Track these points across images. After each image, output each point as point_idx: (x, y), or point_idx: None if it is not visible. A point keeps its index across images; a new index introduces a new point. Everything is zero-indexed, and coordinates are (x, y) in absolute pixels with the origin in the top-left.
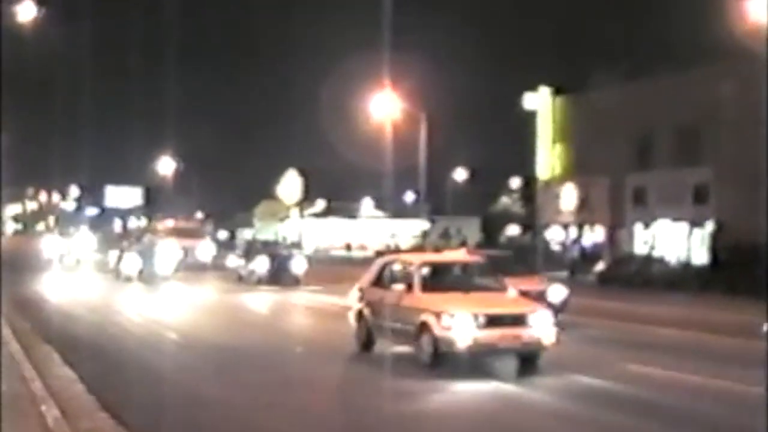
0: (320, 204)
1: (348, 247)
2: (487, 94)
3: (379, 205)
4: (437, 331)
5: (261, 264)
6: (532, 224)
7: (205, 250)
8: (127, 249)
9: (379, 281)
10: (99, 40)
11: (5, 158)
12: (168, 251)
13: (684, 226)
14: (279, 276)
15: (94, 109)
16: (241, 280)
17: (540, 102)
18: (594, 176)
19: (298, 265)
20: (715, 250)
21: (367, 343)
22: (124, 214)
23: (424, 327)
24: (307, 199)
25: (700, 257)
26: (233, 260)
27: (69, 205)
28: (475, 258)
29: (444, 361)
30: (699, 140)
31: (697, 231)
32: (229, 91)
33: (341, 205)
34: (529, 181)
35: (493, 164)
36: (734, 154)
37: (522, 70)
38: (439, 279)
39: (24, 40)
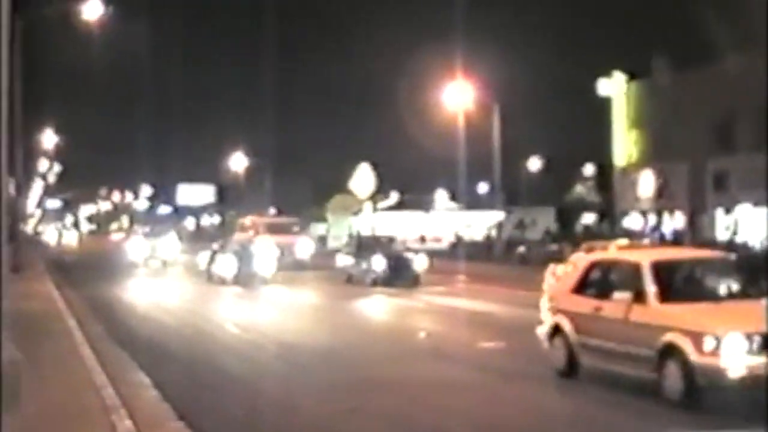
0: (393, 197)
1: (422, 240)
2: (561, 82)
3: (453, 196)
4: (694, 357)
5: (378, 262)
6: (607, 212)
7: (303, 247)
8: (220, 249)
9: (584, 287)
10: (170, 38)
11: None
12: (266, 250)
13: (766, 211)
14: (397, 275)
15: (166, 108)
16: (351, 280)
17: (615, 88)
18: (672, 162)
19: (419, 263)
20: None
21: (568, 368)
22: (197, 212)
23: (670, 351)
24: (380, 192)
25: None
26: (342, 259)
27: (141, 205)
28: (719, 254)
29: (701, 399)
30: None
31: None
32: (300, 85)
33: (414, 197)
34: (603, 168)
35: (567, 152)
36: None
37: (596, 56)
38: (678, 284)
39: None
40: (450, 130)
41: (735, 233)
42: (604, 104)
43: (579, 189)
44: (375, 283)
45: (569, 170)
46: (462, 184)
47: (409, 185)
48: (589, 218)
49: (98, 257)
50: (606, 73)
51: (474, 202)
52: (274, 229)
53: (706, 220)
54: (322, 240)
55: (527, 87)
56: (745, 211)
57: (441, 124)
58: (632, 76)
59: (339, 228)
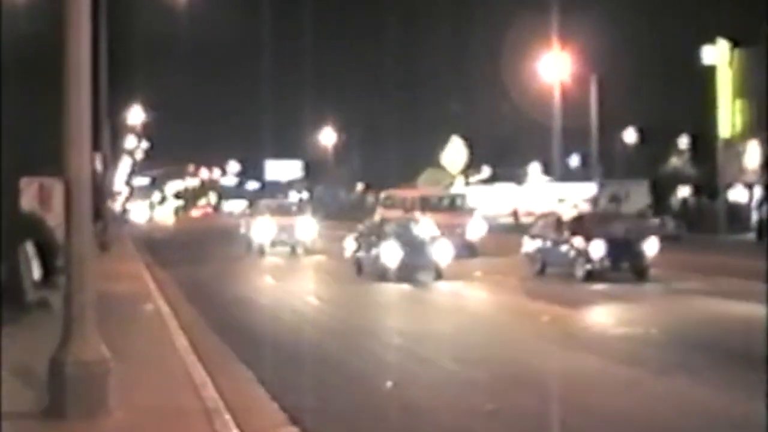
0: (485, 171)
1: (515, 214)
2: (662, 50)
3: (547, 169)
4: None
5: (597, 248)
6: (705, 185)
7: (475, 227)
8: (368, 233)
9: None
10: (258, 10)
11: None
12: (434, 233)
13: None
14: (621, 263)
15: (254, 83)
16: (543, 271)
17: (719, 56)
18: None
19: (650, 247)
20: None
21: None
22: (285, 188)
23: None
24: (472, 166)
25: None
26: (529, 244)
27: (229, 181)
28: None
29: None
30: None
31: None
32: (389, 58)
33: (507, 170)
34: (701, 140)
35: (665, 124)
36: None
37: (699, 23)
38: None
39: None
40: (544, 101)
41: None
42: (708, 73)
43: (674, 161)
44: (589, 274)
45: (666, 142)
46: (555, 157)
47: (501, 158)
48: (684, 192)
49: (203, 236)
50: (710, 40)
51: (567, 175)
52: (431, 206)
53: None
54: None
55: (626, 56)
56: None
57: (534, 95)
58: (737, 43)
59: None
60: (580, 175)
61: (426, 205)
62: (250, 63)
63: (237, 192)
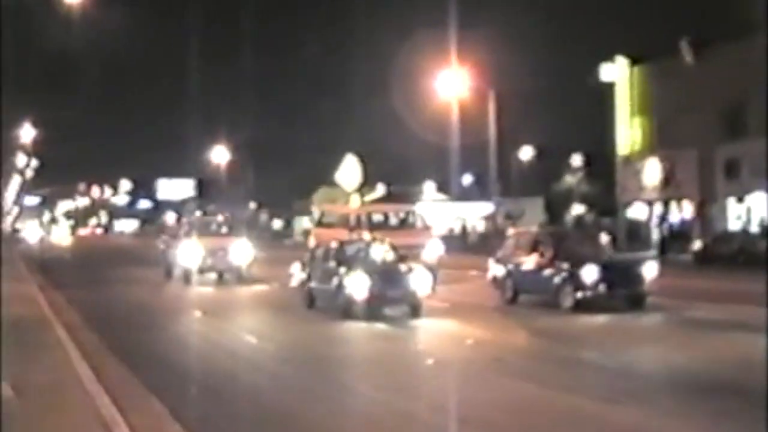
0: (380, 189)
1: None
2: (561, 68)
3: (442, 188)
4: None
5: (590, 273)
6: (600, 202)
7: (433, 248)
8: (334, 259)
9: None
10: (148, 30)
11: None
12: (409, 262)
13: None
14: (617, 290)
15: (145, 101)
16: (515, 300)
17: (617, 73)
18: (680, 149)
19: (649, 272)
20: None
21: None
22: (177, 207)
23: None
24: (367, 184)
25: None
26: (496, 268)
27: (121, 199)
28: None
29: None
30: None
31: None
32: (283, 75)
33: (402, 189)
34: (593, 157)
35: (563, 141)
36: None
37: (598, 40)
38: None
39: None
40: (440, 119)
41: (747, 222)
42: (606, 90)
43: (569, 179)
44: (577, 303)
45: (562, 160)
46: (453, 175)
47: (396, 177)
48: (578, 209)
49: (101, 256)
50: (609, 57)
51: (462, 194)
52: (380, 224)
53: (717, 209)
54: (306, 234)
55: (525, 73)
56: (758, 199)
57: (431, 113)
58: (636, 60)
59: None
60: (475, 193)
61: (376, 222)
62: (144, 82)
63: (129, 211)
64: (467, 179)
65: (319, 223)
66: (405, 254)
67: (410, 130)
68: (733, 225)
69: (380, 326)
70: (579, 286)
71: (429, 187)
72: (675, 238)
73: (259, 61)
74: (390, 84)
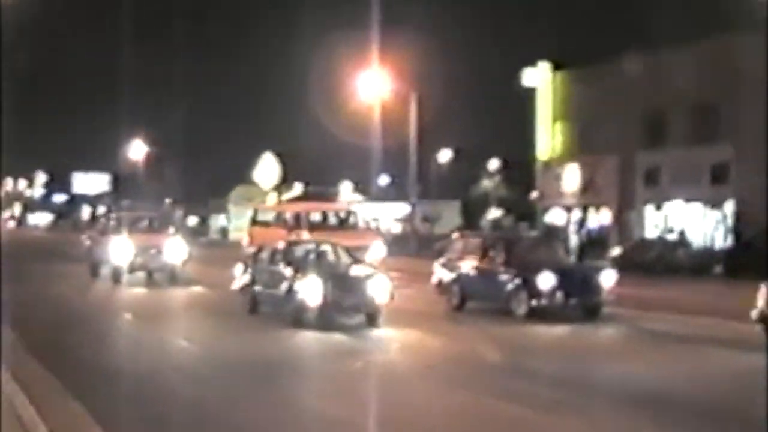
0: (298, 188)
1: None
2: (484, 72)
3: (359, 188)
4: None
5: (546, 280)
6: (518, 207)
7: (376, 250)
8: (283, 261)
9: None
10: (67, 23)
11: None
12: (367, 266)
13: (699, 207)
14: (573, 298)
15: (62, 92)
16: (462, 306)
17: (539, 78)
18: (600, 155)
19: (606, 280)
20: (738, 232)
21: None
22: (93, 201)
23: None
24: (285, 183)
25: (719, 240)
26: (442, 272)
27: (36, 192)
28: None
29: None
30: (717, 116)
31: (714, 212)
32: (202, 71)
33: (319, 189)
34: (512, 162)
35: (483, 145)
36: (756, 130)
37: (521, 45)
38: None
39: None
40: (359, 119)
41: (670, 230)
42: (528, 95)
43: (486, 183)
44: (532, 310)
45: (481, 163)
46: (370, 176)
47: (313, 176)
48: (495, 213)
49: (17, 250)
50: (531, 62)
51: (380, 195)
52: (321, 224)
53: (635, 216)
54: (223, 232)
55: (448, 76)
56: (676, 207)
57: (349, 113)
58: (558, 65)
59: (241, 220)
60: (392, 194)
61: (316, 222)
62: (61, 73)
63: (43, 204)
64: (384, 180)
65: (254, 222)
66: (359, 258)
67: (329, 129)
68: (651, 232)
69: (329, 335)
70: (534, 293)
71: (346, 187)
72: (592, 245)
73: (179, 58)
74: (310, 84)
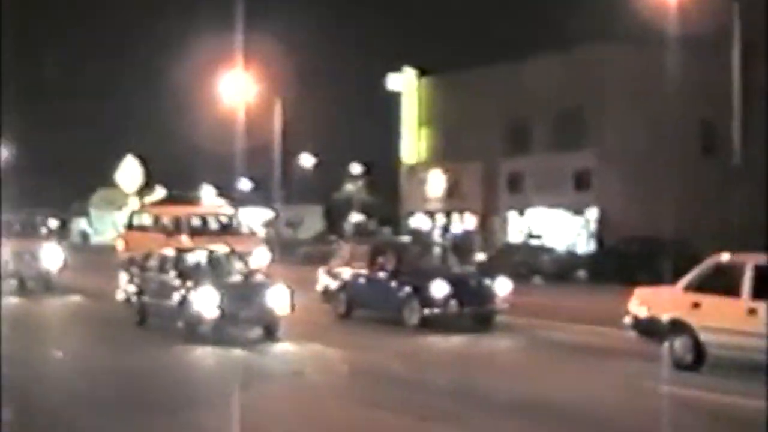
0: (160, 192)
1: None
2: (349, 76)
3: (221, 193)
4: None
5: (439, 288)
6: (380, 212)
7: (260, 257)
8: (174, 269)
9: None
10: None
11: None
12: (263, 275)
13: (562, 213)
14: (467, 307)
15: None
16: (350, 314)
17: (405, 83)
18: (465, 161)
19: (501, 288)
20: (600, 238)
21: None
22: None
23: None
24: (148, 186)
25: (582, 246)
26: (327, 279)
27: None
28: None
29: None
30: (581, 123)
31: (577, 218)
32: (64, 75)
33: (181, 192)
34: (374, 167)
35: (347, 150)
36: (618, 138)
37: (387, 51)
38: None
39: None
40: (221, 122)
41: (531, 236)
42: (393, 100)
43: (349, 188)
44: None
45: (343, 168)
46: (233, 180)
47: (176, 180)
48: (357, 218)
49: None
50: (396, 68)
51: (243, 199)
52: (202, 229)
53: (499, 222)
54: (84, 235)
55: (312, 81)
56: (539, 213)
57: (212, 116)
58: (424, 71)
59: (102, 223)
60: (254, 199)
61: (196, 227)
62: None
63: None
64: (246, 185)
65: (130, 226)
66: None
67: (191, 133)
68: (515, 238)
69: (226, 350)
70: (427, 302)
71: (208, 191)
72: (457, 250)
73: (39, 59)
74: (173, 87)
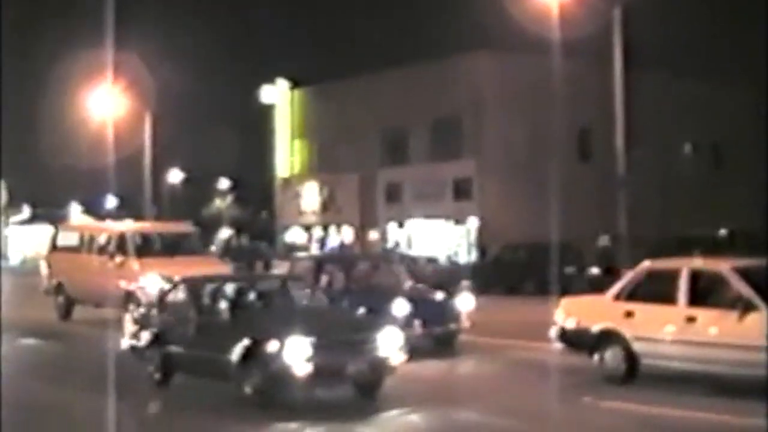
0: (26, 210)
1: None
2: (221, 88)
3: (88, 210)
4: None
5: (400, 307)
6: (249, 226)
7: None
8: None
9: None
10: None
11: None
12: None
13: (441, 223)
14: (431, 328)
15: None
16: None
17: (278, 95)
18: (341, 173)
19: (464, 305)
20: (483, 247)
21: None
22: None
23: None
24: (12, 205)
25: (463, 256)
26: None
27: None
28: None
29: None
30: (459, 132)
31: (458, 228)
32: None
33: (47, 211)
34: (240, 180)
35: (218, 164)
36: (497, 146)
37: (260, 63)
38: None
39: None
40: (89, 139)
41: (395, 245)
42: (266, 113)
43: (218, 203)
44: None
45: (214, 182)
46: (102, 197)
47: (42, 198)
48: (225, 233)
49: None
50: (269, 79)
51: (111, 216)
52: (153, 248)
53: (378, 233)
54: None
55: (184, 94)
56: (418, 224)
57: (80, 132)
58: (296, 83)
59: None
60: (122, 215)
61: (143, 246)
62: None
63: None
64: (112, 202)
65: (54, 247)
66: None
67: (56, 149)
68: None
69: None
70: (388, 322)
71: (75, 208)
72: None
73: None
74: (38, 102)
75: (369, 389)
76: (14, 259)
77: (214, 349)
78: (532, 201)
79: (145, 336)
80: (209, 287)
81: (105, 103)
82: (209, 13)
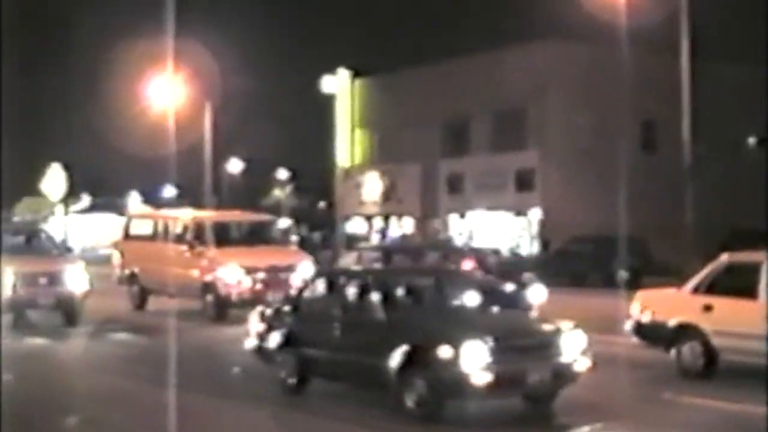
0: (85, 200)
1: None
2: (282, 79)
3: (147, 200)
4: None
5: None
6: (309, 217)
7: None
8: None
9: None
10: None
11: None
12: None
13: (502, 214)
14: None
15: None
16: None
17: (339, 85)
18: (402, 164)
19: (536, 295)
20: (545, 239)
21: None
22: None
23: None
24: (73, 194)
25: (525, 248)
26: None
27: None
28: None
29: None
30: (523, 123)
31: (520, 219)
32: None
33: (107, 200)
34: (299, 171)
35: (280, 154)
36: (561, 137)
37: (321, 52)
38: None
39: None
40: (149, 128)
41: (455, 237)
42: (327, 103)
43: (277, 193)
44: None
45: (273, 173)
46: (162, 186)
47: (102, 187)
48: (284, 223)
49: None
50: (330, 69)
51: (170, 206)
52: (234, 237)
53: (440, 224)
54: None
55: (245, 84)
56: (480, 215)
57: (140, 122)
58: (358, 73)
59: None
60: (182, 205)
61: (222, 236)
62: None
63: None
64: (171, 191)
65: (127, 235)
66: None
67: (116, 139)
68: (458, 242)
69: None
70: None
71: (134, 198)
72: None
73: None
74: (97, 91)
75: (544, 399)
76: (75, 248)
77: (365, 354)
78: (596, 192)
79: (276, 337)
80: (354, 282)
81: (165, 92)
82: (271, 2)
